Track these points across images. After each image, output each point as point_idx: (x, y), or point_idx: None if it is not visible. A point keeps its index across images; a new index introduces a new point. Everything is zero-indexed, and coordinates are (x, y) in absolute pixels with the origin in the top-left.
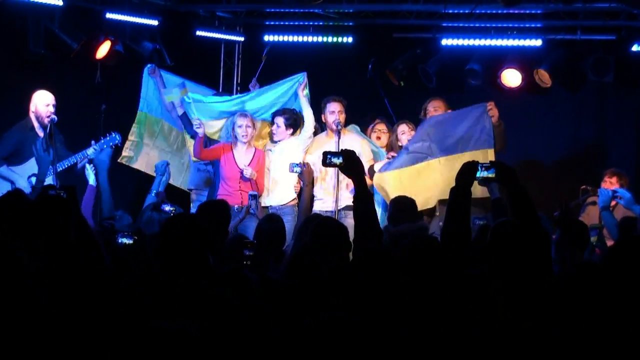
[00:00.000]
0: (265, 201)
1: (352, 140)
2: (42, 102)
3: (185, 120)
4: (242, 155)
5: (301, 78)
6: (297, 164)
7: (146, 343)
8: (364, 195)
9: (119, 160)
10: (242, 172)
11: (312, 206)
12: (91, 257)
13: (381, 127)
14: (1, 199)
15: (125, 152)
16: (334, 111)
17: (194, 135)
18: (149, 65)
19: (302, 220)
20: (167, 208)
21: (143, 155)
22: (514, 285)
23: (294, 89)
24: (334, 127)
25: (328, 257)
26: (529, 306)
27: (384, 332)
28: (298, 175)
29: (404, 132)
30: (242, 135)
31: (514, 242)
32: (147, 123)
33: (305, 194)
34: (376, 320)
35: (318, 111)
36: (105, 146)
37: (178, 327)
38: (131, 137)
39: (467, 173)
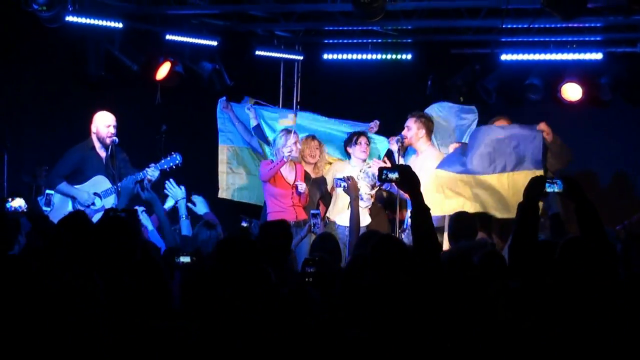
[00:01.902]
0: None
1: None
2: (103, 124)
3: (259, 132)
4: (288, 172)
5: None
6: (342, 179)
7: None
8: (421, 210)
9: (219, 196)
10: (296, 188)
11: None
12: (153, 279)
13: None
14: (63, 220)
15: (222, 190)
16: (404, 126)
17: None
18: (221, 100)
19: (355, 235)
20: (244, 224)
21: (239, 186)
22: (580, 302)
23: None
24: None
25: (386, 273)
26: (594, 322)
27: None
28: (344, 190)
29: None
30: (294, 151)
31: (583, 259)
32: (234, 154)
33: (354, 209)
34: (432, 335)
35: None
36: (165, 166)
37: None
38: (222, 174)
39: (535, 187)
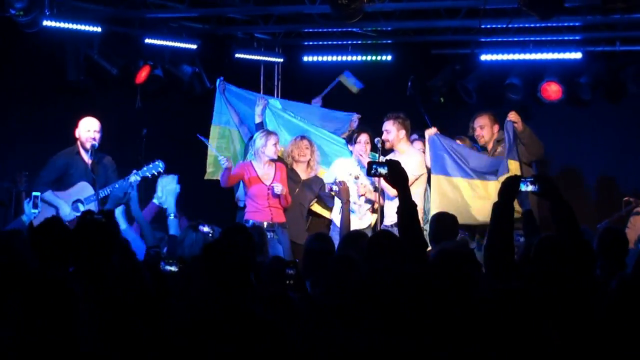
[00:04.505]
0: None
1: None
2: (84, 128)
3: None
4: (264, 172)
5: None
6: (333, 183)
7: None
8: (408, 206)
9: (205, 178)
10: (272, 189)
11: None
12: (133, 281)
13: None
14: (40, 225)
15: (208, 169)
16: (383, 130)
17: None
18: (220, 79)
19: (343, 236)
20: (205, 229)
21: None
22: (556, 300)
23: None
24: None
25: (383, 270)
26: (571, 320)
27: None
28: (335, 194)
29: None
30: (274, 152)
31: (557, 256)
32: (222, 135)
33: (345, 212)
34: (416, 340)
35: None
36: (147, 173)
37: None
38: (210, 152)
39: (509, 187)
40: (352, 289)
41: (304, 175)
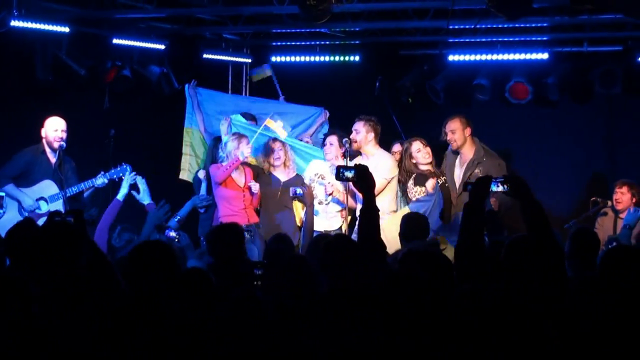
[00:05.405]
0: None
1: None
2: (51, 128)
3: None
4: (238, 175)
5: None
6: (298, 187)
7: None
8: (371, 209)
9: (180, 177)
10: (250, 189)
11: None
12: (103, 280)
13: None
14: (13, 228)
15: (183, 170)
16: (352, 130)
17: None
18: (192, 82)
19: (307, 240)
20: (172, 234)
21: (195, 168)
22: (528, 301)
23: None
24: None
25: (339, 273)
26: (542, 320)
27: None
28: (299, 198)
29: (419, 150)
30: (246, 157)
31: (529, 257)
32: (195, 137)
33: (308, 216)
34: (390, 341)
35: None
36: (115, 176)
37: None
38: (185, 151)
39: (480, 188)
40: (307, 290)
41: (284, 177)
